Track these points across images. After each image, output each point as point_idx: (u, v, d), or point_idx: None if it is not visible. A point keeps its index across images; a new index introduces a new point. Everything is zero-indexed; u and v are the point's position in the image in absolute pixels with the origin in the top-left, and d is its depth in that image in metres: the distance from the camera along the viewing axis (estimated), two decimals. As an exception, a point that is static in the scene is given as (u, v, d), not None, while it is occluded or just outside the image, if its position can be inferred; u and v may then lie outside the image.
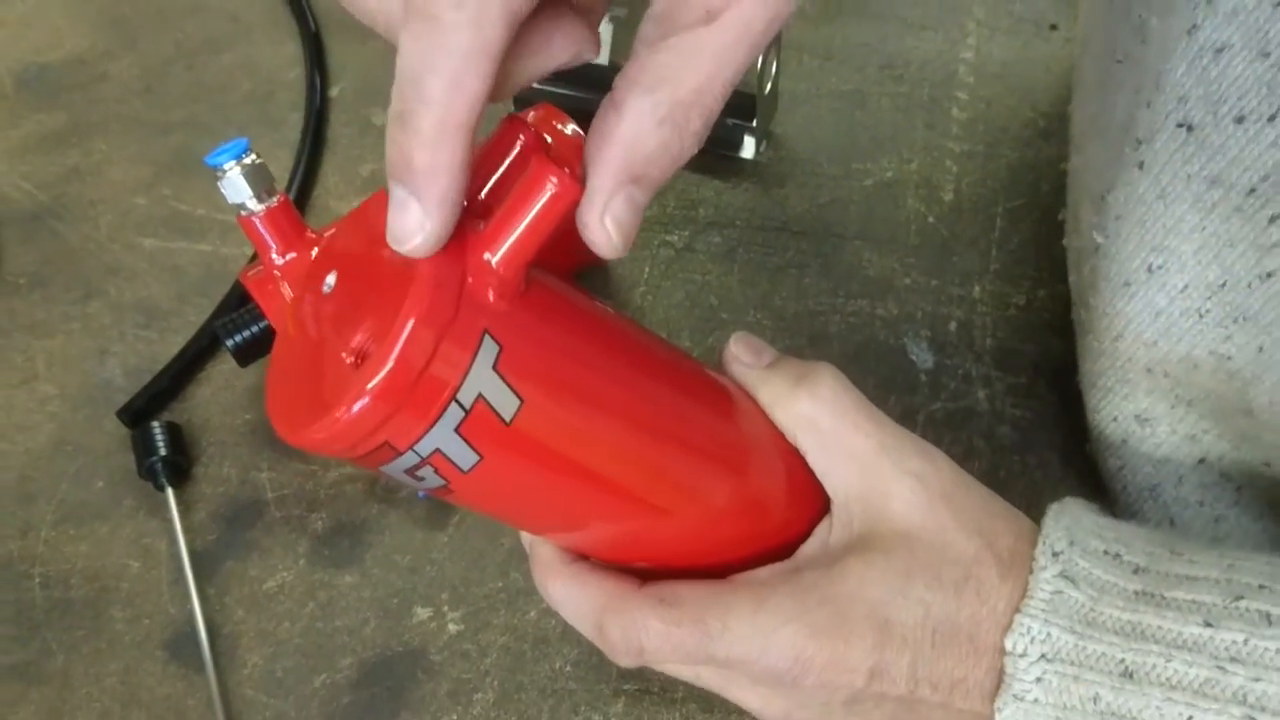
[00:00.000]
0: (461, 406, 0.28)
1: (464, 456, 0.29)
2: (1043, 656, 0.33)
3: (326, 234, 0.52)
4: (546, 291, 0.31)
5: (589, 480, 0.32)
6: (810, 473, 0.38)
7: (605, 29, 0.67)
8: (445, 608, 0.49)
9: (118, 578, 0.51)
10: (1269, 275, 0.38)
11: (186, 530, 0.51)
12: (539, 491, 0.32)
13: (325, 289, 0.31)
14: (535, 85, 0.65)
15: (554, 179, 0.28)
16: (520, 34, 0.28)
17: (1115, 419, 0.47)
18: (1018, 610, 0.34)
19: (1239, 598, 0.33)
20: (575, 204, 0.29)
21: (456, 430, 0.29)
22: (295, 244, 0.49)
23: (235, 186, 0.47)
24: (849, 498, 0.37)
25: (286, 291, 0.48)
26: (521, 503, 0.33)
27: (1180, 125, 0.38)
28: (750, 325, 0.57)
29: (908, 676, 0.35)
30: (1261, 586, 0.33)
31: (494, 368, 0.29)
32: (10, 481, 0.54)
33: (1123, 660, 0.33)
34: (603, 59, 0.67)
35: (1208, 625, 0.32)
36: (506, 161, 0.31)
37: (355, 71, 0.69)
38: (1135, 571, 0.34)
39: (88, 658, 0.49)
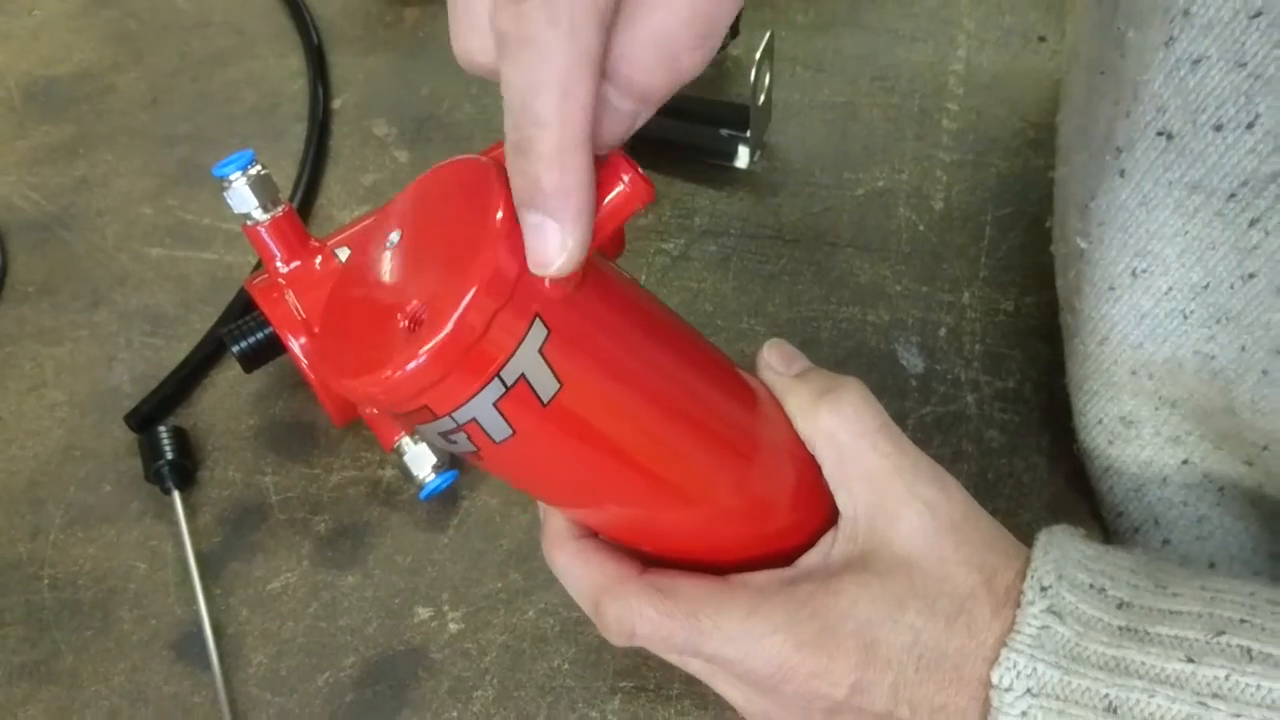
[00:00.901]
0: (503, 383, 0.29)
1: (498, 429, 0.30)
2: (1028, 691, 0.34)
3: (341, 235, 0.53)
4: (600, 280, 0.32)
5: (612, 464, 0.34)
6: (824, 484, 0.38)
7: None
8: (446, 607, 0.50)
9: (125, 579, 0.52)
10: (1250, 276, 0.39)
11: (192, 532, 0.52)
12: (563, 468, 0.34)
13: (388, 245, 0.32)
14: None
15: (627, 177, 0.29)
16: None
17: (1101, 421, 0.48)
18: (1004, 645, 0.34)
19: (1220, 633, 0.33)
20: (645, 204, 0.29)
21: (495, 404, 0.30)
22: (299, 252, 0.51)
23: (241, 196, 0.49)
24: (857, 515, 0.37)
25: (291, 299, 0.50)
26: (544, 476, 0.35)
27: (1160, 134, 0.39)
28: (744, 331, 0.58)
29: (889, 695, 0.36)
30: (1243, 620, 0.33)
31: (540, 350, 0.30)
32: (20, 485, 0.55)
33: (1107, 695, 0.33)
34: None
35: (1190, 661, 0.33)
36: None
37: (357, 84, 0.71)
38: (1119, 606, 0.35)
39: (96, 657, 0.50)
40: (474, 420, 0.30)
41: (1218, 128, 0.37)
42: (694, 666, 0.39)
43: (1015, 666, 0.34)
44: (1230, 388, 0.43)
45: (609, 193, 0.30)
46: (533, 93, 0.27)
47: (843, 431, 0.37)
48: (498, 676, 0.48)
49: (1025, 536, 0.51)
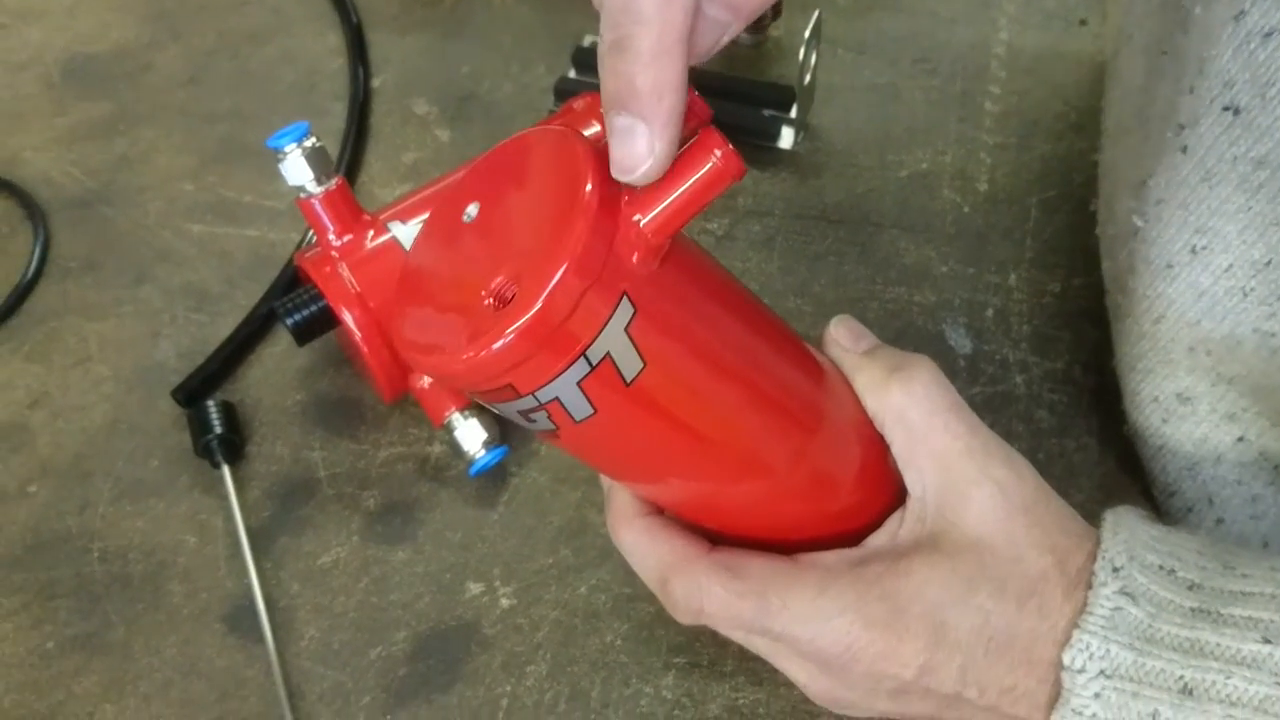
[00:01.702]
0: (589, 362, 0.29)
1: (580, 408, 0.30)
2: (1101, 673, 0.33)
3: (392, 209, 0.52)
4: (684, 258, 0.31)
5: (688, 440, 0.33)
6: (892, 463, 0.38)
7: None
8: (497, 583, 0.50)
9: (175, 553, 0.52)
10: None
11: (242, 507, 0.52)
12: (639, 445, 0.33)
13: (466, 218, 0.32)
14: (574, 77, 0.67)
15: (719, 152, 0.28)
16: None
17: (1156, 399, 0.48)
18: (1076, 626, 0.34)
19: None
20: (737, 180, 0.29)
21: (579, 383, 0.29)
22: (352, 226, 0.51)
23: (296, 169, 0.49)
24: (926, 495, 0.37)
25: (344, 272, 0.50)
26: (619, 453, 0.34)
27: (1226, 109, 0.39)
28: (790, 311, 0.58)
29: (956, 677, 0.35)
30: None
31: (626, 329, 0.29)
32: (67, 459, 0.55)
33: (1182, 677, 0.33)
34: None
35: (1266, 642, 0.32)
36: None
37: (397, 63, 0.71)
38: (1190, 588, 0.34)
39: (148, 630, 0.50)
40: (557, 399, 0.30)
41: None
42: (758, 645, 0.39)
43: (1088, 648, 0.34)
44: None
45: (700, 168, 0.29)
46: None
47: (913, 410, 0.37)
48: (550, 652, 0.48)
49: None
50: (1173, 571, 0.35)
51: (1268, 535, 0.48)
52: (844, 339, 0.39)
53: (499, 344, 0.28)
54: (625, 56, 0.27)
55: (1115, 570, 0.35)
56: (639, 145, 0.28)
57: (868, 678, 0.36)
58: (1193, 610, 0.34)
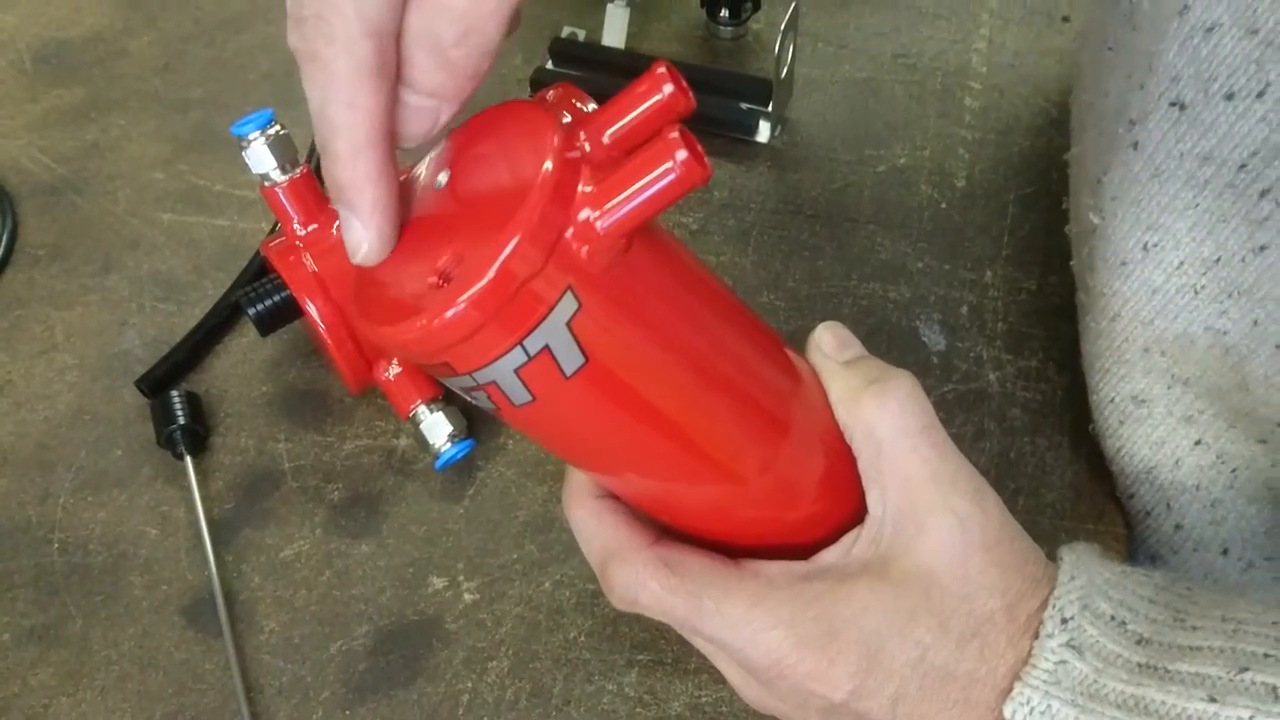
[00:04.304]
0: (526, 352, 0.29)
1: (518, 394, 0.30)
2: None
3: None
4: (645, 253, 0.30)
5: (632, 438, 0.33)
6: (856, 479, 0.37)
7: (621, 13, 0.68)
8: (461, 578, 0.50)
9: (136, 544, 0.51)
10: (1262, 249, 0.39)
11: (204, 498, 0.51)
12: (581, 437, 0.33)
13: (437, 185, 0.32)
14: (551, 68, 0.66)
15: (679, 155, 0.27)
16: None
17: (1113, 400, 0.47)
18: (1018, 678, 0.33)
19: (1244, 669, 0.32)
20: (698, 186, 0.28)
21: (515, 371, 0.29)
22: (317, 215, 0.50)
23: (259, 157, 0.48)
24: (885, 517, 0.36)
25: (308, 262, 0.49)
26: (563, 441, 0.34)
27: (1173, 104, 0.38)
28: (764, 306, 0.57)
29: (888, 707, 0.35)
30: (1267, 655, 0.32)
31: (567, 324, 0.29)
32: (29, 449, 0.54)
33: None
34: (619, 42, 0.67)
35: (1212, 700, 0.31)
36: (640, 109, 0.30)
37: (373, 52, 0.70)
38: (1139, 642, 0.34)
39: (106, 622, 0.49)
40: (494, 383, 0.30)
41: (1229, 96, 0.37)
42: (697, 642, 0.39)
43: (1029, 702, 0.33)
44: (1243, 364, 0.42)
45: (655, 170, 0.28)
46: (323, 102, 0.29)
47: (884, 427, 0.36)
48: (513, 648, 0.48)
49: (1048, 516, 0.51)
50: (1124, 624, 0.34)
51: (1227, 540, 0.48)
52: (827, 345, 0.38)
53: (433, 322, 0.27)
54: (326, 158, 0.30)
55: (1064, 621, 0.34)
56: (354, 233, 0.30)
57: (796, 693, 0.35)
58: (1140, 665, 0.33)
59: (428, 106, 0.31)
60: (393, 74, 0.29)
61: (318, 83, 0.29)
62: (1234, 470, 0.47)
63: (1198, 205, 0.39)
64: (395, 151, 0.31)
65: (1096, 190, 0.43)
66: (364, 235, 0.30)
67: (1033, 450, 0.52)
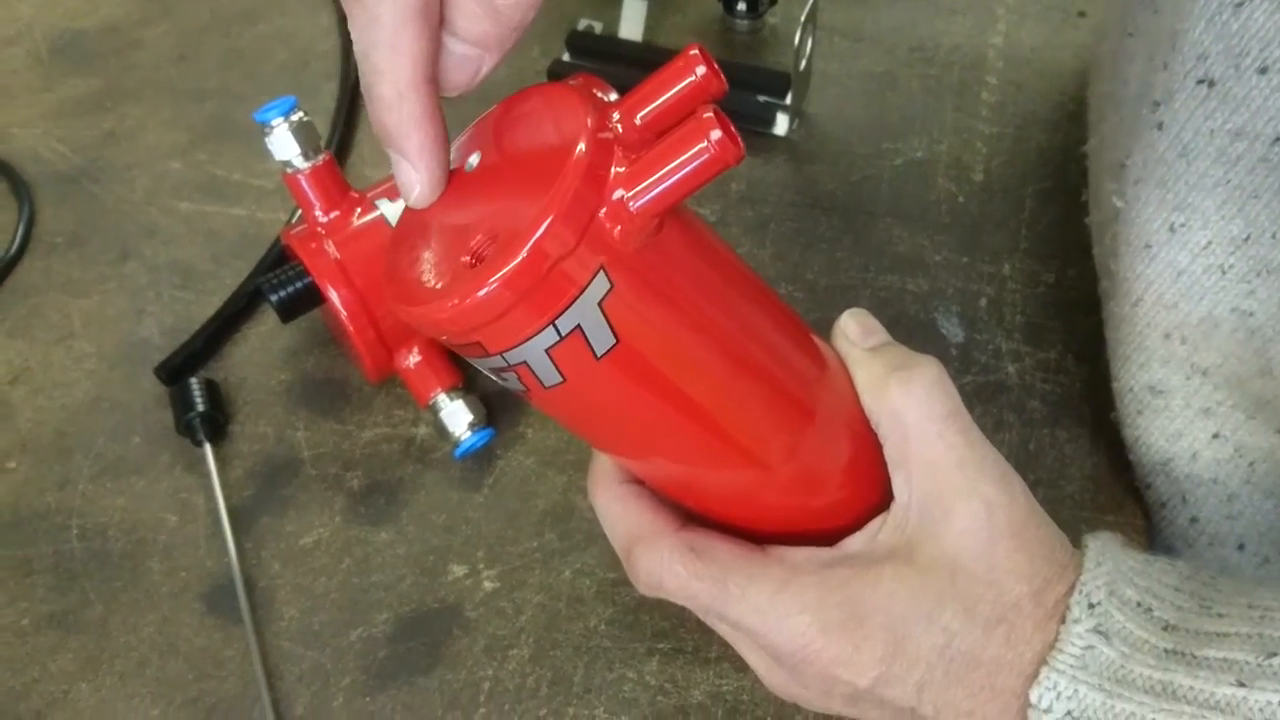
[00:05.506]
0: (558, 331, 0.29)
1: (549, 375, 0.30)
2: (1069, 714, 0.33)
3: (379, 188, 0.52)
4: (675, 235, 0.30)
5: (661, 421, 0.33)
6: (882, 465, 0.37)
7: (638, 5, 0.68)
8: (481, 565, 0.49)
9: (155, 531, 0.51)
10: None
11: (223, 485, 0.51)
12: (611, 419, 0.33)
13: (468, 167, 0.31)
14: (568, 60, 0.66)
15: (714, 135, 0.27)
16: None
17: (1131, 389, 0.47)
18: (1045, 663, 0.33)
19: (1272, 654, 0.32)
20: (732, 165, 0.28)
21: (547, 351, 0.29)
22: (339, 202, 0.50)
23: (282, 143, 0.48)
24: (910, 502, 0.36)
25: (330, 249, 0.49)
26: (592, 424, 0.34)
27: (1201, 82, 0.38)
28: (782, 298, 0.56)
29: (913, 693, 0.35)
30: None
31: (600, 304, 0.29)
32: (47, 436, 0.54)
33: None
34: (636, 35, 0.68)
35: (1240, 685, 0.31)
36: (673, 90, 0.30)
37: (389, 44, 0.70)
38: (1165, 628, 0.34)
39: (125, 608, 0.49)
40: (525, 363, 0.30)
41: (1262, 70, 0.36)
42: (722, 629, 0.39)
43: (1056, 687, 0.33)
44: (1267, 346, 0.42)
45: (690, 149, 0.28)
46: (369, 47, 0.29)
47: (910, 413, 0.36)
48: (533, 635, 0.48)
49: (1067, 507, 0.50)
50: (1150, 610, 0.34)
51: (1243, 536, 0.48)
52: (852, 332, 0.38)
53: (466, 301, 0.28)
54: (371, 103, 0.30)
55: (1091, 606, 0.34)
56: (404, 174, 0.31)
57: (821, 679, 0.35)
58: (1167, 651, 0.33)
59: (471, 55, 0.31)
60: (436, 20, 0.30)
61: (362, 26, 0.29)
62: (1251, 464, 0.47)
63: (1228, 182, 0.39)
64: (440, 99, 0.30)
65: (1119, 175, 0.43)
66: (415, 177, 0.30)
67: (1052, 442, 0.52)
